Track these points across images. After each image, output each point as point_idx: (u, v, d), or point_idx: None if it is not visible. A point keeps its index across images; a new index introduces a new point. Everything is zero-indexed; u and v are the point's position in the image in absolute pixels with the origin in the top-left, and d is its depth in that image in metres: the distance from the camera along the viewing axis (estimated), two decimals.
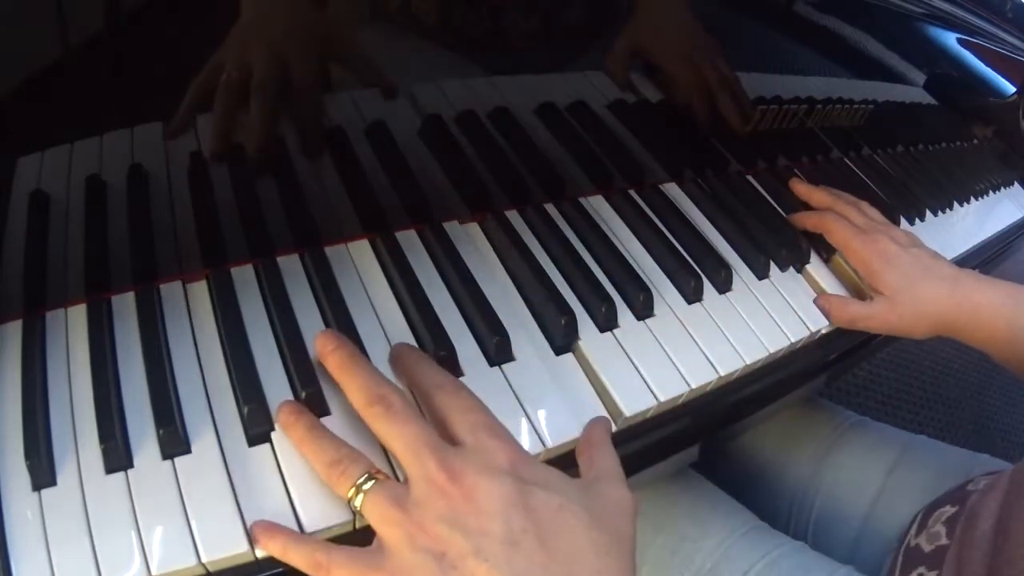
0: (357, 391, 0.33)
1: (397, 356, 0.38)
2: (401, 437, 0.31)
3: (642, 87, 0.54)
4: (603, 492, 0.33)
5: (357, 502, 0.31)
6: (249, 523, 0.32)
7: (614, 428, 0.40)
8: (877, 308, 0.51)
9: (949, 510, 0.53)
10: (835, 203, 0.58)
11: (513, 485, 0.29)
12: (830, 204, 0.58)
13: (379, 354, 0.39)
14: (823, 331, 0.53)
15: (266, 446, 0.35)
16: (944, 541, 0.50)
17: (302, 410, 0.34)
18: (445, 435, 0.32)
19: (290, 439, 0.34)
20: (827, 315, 0.52)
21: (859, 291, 0.56)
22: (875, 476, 0.65)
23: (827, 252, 0.60)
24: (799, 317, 0.52)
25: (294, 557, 0.30)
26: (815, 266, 0.58)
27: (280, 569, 0.32)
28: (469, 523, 0.28)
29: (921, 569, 0.50)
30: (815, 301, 0.53)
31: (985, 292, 0.52)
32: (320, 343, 0.36)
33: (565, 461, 0.40)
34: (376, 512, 0.30)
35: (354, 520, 0.33)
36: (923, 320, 0.51)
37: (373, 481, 0.31)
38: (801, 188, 0.61)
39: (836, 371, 0.58)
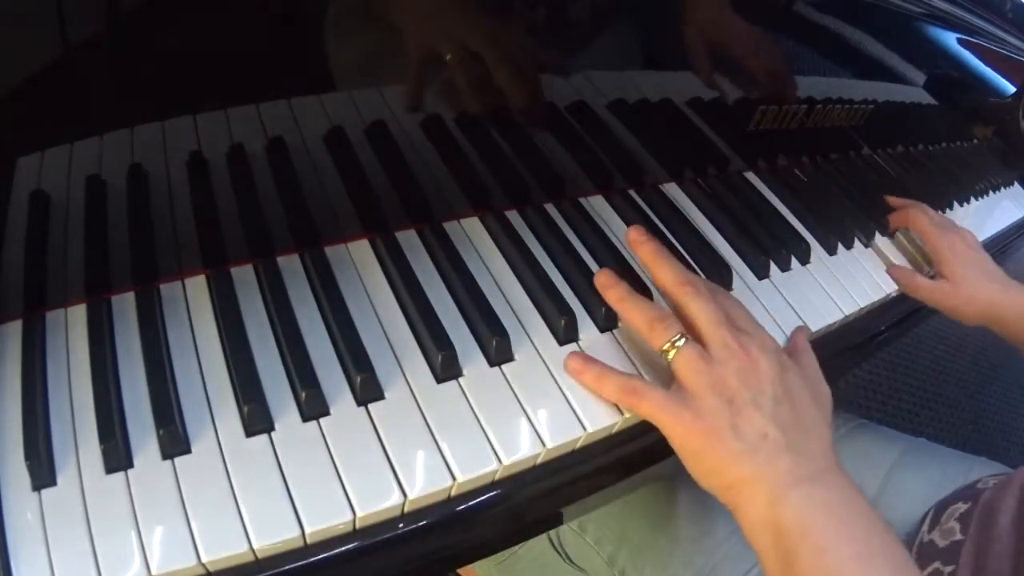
0: (670, 273, 0.43)
1: (647, 256, 0.46)
2: (706, 312, 0.41)
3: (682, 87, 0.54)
4: (818, 385, 0.43)
5: (671, 355, 0.40)
6: (249, 523, 0.32)
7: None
8: (941, 288, 0.61)
9: (962, 506, 0.54)
10: (917, 203, 0.69)
11: (779, 364, 0.40)
12: (914, 204, 0.69)
13: (380, 354, 0.39)
14: (823, 330, 0.54)
15: (266, 446, 0.35)
16: (959, 536, 0.51)
17: (619, 278, 0.44)
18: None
19: (608, 299, 0.44)
20: (898, 282, 0.61)
21: None
22: (874, 478, 0.65)
23: (828, 251, 0.60)
24: (799, 317, 0.52)
25: (608, 385, 0.40)
26: (816, 265, 0.58)
27: (280, 569, 0.32)
28: (751, 382, 0.39)
29: (936, 564, 0.50)
30: (888, 270, 0.62)
31: None
32: (633, 234, 0.47)
33: (565, 461, 0.40)
34: (687, 363, 0.39)
35: (354, 521, 0.33)
36: (973, 306, 0.60)
37: (685, 339, 0.40)
38: (890, 199, 0.72)
39: (835, 371, 0.59)
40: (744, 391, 0.38)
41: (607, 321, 0.45)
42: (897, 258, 0.66)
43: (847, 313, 0.55)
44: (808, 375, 0.42)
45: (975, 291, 0.60)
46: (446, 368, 0.39)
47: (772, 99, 0.62)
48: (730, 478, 0.38)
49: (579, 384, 0.41)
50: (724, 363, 0.39)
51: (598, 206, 0.54)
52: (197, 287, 0.41)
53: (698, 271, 0.51)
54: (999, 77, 0.92)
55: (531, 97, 0.47)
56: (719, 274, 0.51)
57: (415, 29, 0.41)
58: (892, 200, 0.71)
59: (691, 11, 0.52)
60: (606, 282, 0.44)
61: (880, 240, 0.66)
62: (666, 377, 0.42)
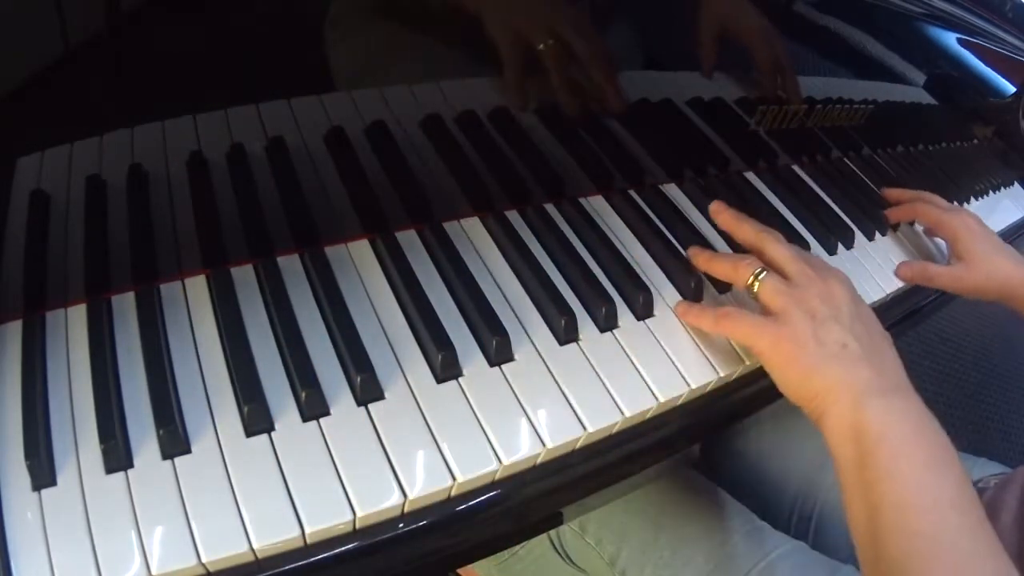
0: (750, 228, 0.50)
1: (726, 218, 0.52)
2: (786, 251, 0.46)
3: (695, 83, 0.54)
4: (876, 321, 0.46)
5: (756, 285, 0.45)
6: (249, 523, 0.32)
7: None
8: (956, 270, 0.62)
9: None
10: (921, 194, 0.70)
11: (851, 292, 0.45)
12: (917, 196, 0.69)
13: (380, 354, 0.39)
14: None
15: (266, 446, 0.35)
16: None
17: (703, 247, 0.51)
18: None
19: (698, 262, 0.50)
20: (909, 278, 0.62)
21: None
22: None
23: (828, 251, 0.60)
24: None
25: (706, 317, 0.45)
26: None
27: (280, 569, 0.32)
28: (830, 300, 0.43)
29: None
30: (897, 269, 0.62)
31: None
32: (714, 206, 0.53)
33: (565, 461, 0.40)
34: (771, 288, 0.44)
35: (354, 521, 0.33)
36: (992, 283, 0.61)
37: (766, 272, 0.45)
38: (891, 192, 0.72)
39: None
40: (824, 308, 0.42)
41: (607, 321, 0.45)
42: (901, 256, 0.65)
43: None
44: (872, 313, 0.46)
45: (993, 266, 0.61)
46: (446, 368, 0.39)
47: (772, 99, 0.62)
48: (815, 385, 0.40)
49: (688, 324, 0.47)
50: (804, 286, 0.44)
51: (598, 206, 0.54)
52: (197, 287, 0.41)
53: (699, 272, 0.51)
54: (999, 77, 0.92)
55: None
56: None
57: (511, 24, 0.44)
58: (893, 193, 0.71)
59: (703, 8, 0.53)
60: (696, 251, 0.50)
61: (880, 239, 0.66)
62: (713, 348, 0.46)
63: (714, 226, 0.57)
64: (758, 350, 0.43)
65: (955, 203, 0.83)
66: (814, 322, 0.42)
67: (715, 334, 0.46)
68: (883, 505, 0.36)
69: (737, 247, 0.53)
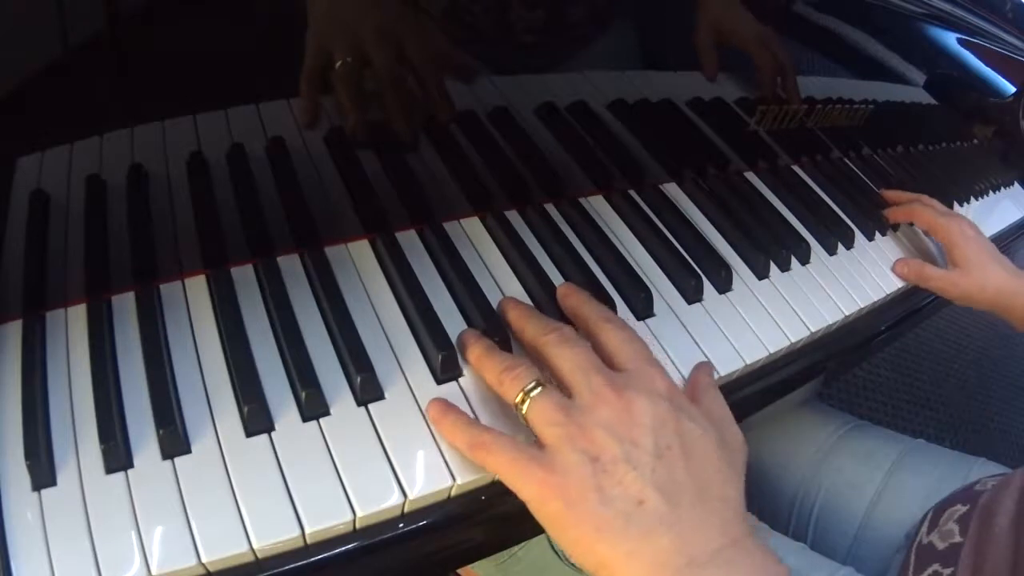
0: (534, 327, 0.38)
1: (564, 295, 0.42)
2: (572, 358, 0.35)
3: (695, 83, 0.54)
4: (726, 431, 0.36)
5: (524, 407, 0.34)
6: (249, 523, 0.32)
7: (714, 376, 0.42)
8: (952, 275, 0.61)
9: (960, 508, 0.54)
10: (919, 197, 0.69)
11: (665, 407, 0.33)
12: (916, 198, 0.69)
13: (380, 354, 0.39)
14: (823, 332, 0.54)
15: (266, 446, 0.35)
16: (958, 539, 0.51)
17: (481, 336, 0.39)
18: (609, 365, 0.36)
19: (469, 357, 0.39)
20: (905, 276, 0.62)
21: None
22: (874, 479, 0.65)
23: (828, 251, 0.60)
24: (799, 317, 0.52)
25: (459, 437, 0.35)
26: (816, 265, 0.58)
27: (280, 569, 0.32)
28: (624, 433, 0.32)
29: (935, 566, 0.50)
30: (894, 266, 0.62)
31: None
32: (503, 304, 0.42)
33: None
34: (541, 414, 0.33)
35: (354, 521, 0.33)
36: (985, 292, 0.60)
37: (540, 388, 0.34)
38: (890, 194, 0.71)
39: (835, 372, 0.59)
40: (613, 445, 0.31)
41: None
42: (900, 256, 0.65)
43: (847, 313, 0.55)
44: (713, 417, 0.36)
45: (987, 275, 0.60)
46: (446, 368, 0.39)
47: (773, 98, 0.62)
48: (600, 555, 0.30)
49: (441, 435, 0.36)
50: (589, 411, 0.32)
51: (598, 206, 0.54)
52: (197, 287, 0.41)
53: (699, 271, 0.51)
54: (999, 77, 0.92)
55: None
56: (719, 274, 0.51)
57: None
58: (891, 195, 0.71)
59: (702, 8, 0.52)
60: (467, 340, 0.39)
61: (880, 239, 0.66)
62: None
63: (715, 226, 0.57)
64: (521, 498, 0.33)
65: (955, 204, 0.83)
66: (595, 467, 0.31)
67: (476, 462, 0.35)
68: None
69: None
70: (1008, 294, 0.60)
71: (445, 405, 0.36)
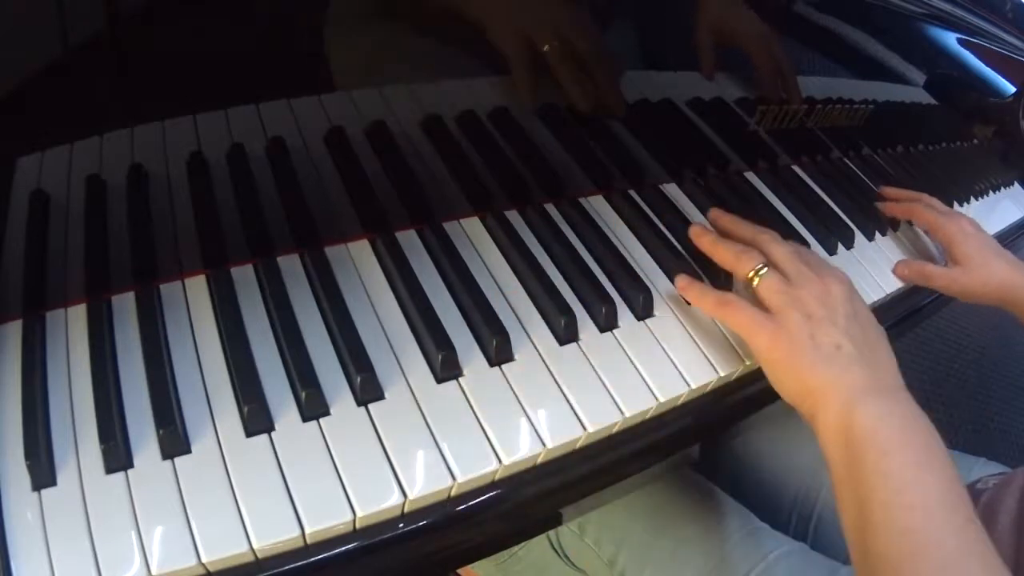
0: (748, 229, 0.50)
1: (749, 226, 0.51)
2: (784, 251, 0.47)
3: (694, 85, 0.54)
4: (878, 324, 0.46)
5: (755, 282, 0.45)
6: (249, 523, 0.32)
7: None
8: (953, 273, 0.61)
9: None
10: (919, 195, 0.69)
11: (849, 292, 0.45)
12: (916, 196, 0.69)
13: (380, 354, 0.39)
14: None
15: (266, 446, 0.35)
16: None
17: (707, 228, 0.52)
18: None
19: (700, 246, 0.50)
20: (906, 277, 0.62)
21: None
22: None
23: (829, 251, 0.60)
24: None
25: (707, 299, 0.46)
26: None
27: (280, 569, 0.32)
28: (827, 301, 0.43)
29: None
30: (895, 268, 0.62)
31: None
32: (713, 214, 0.54)
33: (565, 461, 0.40)
34: (770, 286, 0.44)
35: (354, 521, 0.33)
36: (989, 287, 0.60)
37: (767, 268, 0.45)
38: (889, 191, 0.71)
39: None
40: (820, 308, 0.43)
41: (607, 321, 0.45)
42: (900, 256, 0.65)
43: None
44: (869, 312, 0.46)
45: (990, 271, 0.60)
46: (446, 368, 0.39)
47: (773, 98, 0.62)
48: (809, 384, 0.41)
49: (685, 297, 0.47)
50: (802, 286, 0.44)
51: (598, 206, 0.54)
52: (197, 287, 0.41)
53: (698, 271, 0.51)
54: (999, 77, 0.92)
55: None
56: (719, 274, 0.51)
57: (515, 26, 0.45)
58: (891, 191, 0.70)
59: (702, 8, 0.53)
60: (697, 231, 0.51)
61: (880, 240, 0.66)
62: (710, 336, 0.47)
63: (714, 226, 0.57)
64: (754, 345, 0.43)
65: (955, 204, 0.83)
66: (810, 323, 0.42)
67: (713, 317, 0.47)
68: (871, 502, 0.36)
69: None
70: (1013, 288, 0.60)
71: (690, 278, 0.48)
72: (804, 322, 0.42)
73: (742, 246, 0.48)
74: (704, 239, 0.50)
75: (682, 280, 0.47)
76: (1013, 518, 0.49)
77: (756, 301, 0.45)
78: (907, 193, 0.70)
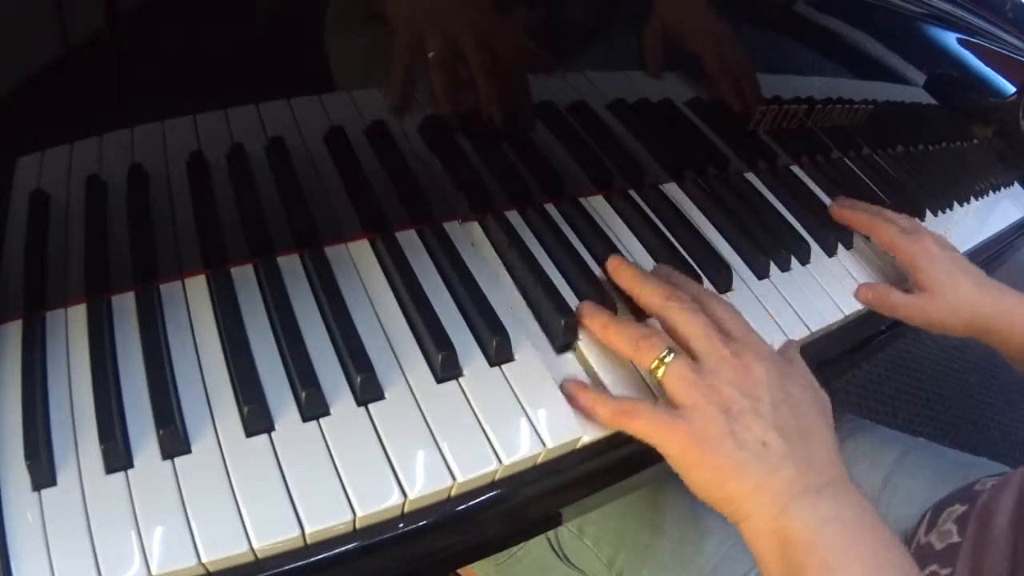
0: (653, 292, 0.43)
1: (667, 275, 0.46)
2: (695, 324, 0.40)
3: (667, 83, 0.54)
4: (816, 391, 0.42)
5: (660, 372, 0.39)
6: (249, 523, 0.32)
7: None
8: (919, 301, 0.55)
9: (959, 508, 0.54)
10: (882, 210, 0.62)
11: (776, 370, 0.39)
12: (878, 211, 0.61)
13: (380, 354, 0.39)
14: (822, 331, 0.54)
15: (266, 446, 0.35)
16: (956, 539, 0.51)
17: (600, 307, 0.43)
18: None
19: (592, 328, 0.43)
20: (868, 302, 0.56)
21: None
22: (874, 478, 0.65)
23: (829, 251, 0.60)
24: (799, 317, 0.52)
25: (601, 410, 0.39)
26: (816, 265, 0.58)
27: (280, 569, 0.32)
28: (747, 389, 0.38)
29: (934, 567, 0.50)
30: (857, 291, 0.56)
31: (1019, 300, 0.56)
32: (611, 263, 0.47)
33: (565, 461, 0.40)
34: (677, 377, 0.38)
35: (354, 521, 0.33)
36: (959, 317, 0.55)
37: (673, 355, 0.39)
38: (846, 201, 0.64)
39: (835, 372, 0.58)
40: (740, 398, 0.37)
41: None
42: (866, 272, 0.61)
43: (847, 313, 0.55)
44: (805, 383, 0.41)
45: (959, 299, 0.55)
46: (446, 368, 0.39)
47: (771, 99, 0.62)
48: (731, 490, 0.37)
49: (575, 410, 0.40)
50: (717, 372, 0.38)
51: (598, 206, 0.54)
52: (197, 287, 0.41)
53: (698, 271, 0.51)
54: (999, 77, 0.92)
55: (522, 96, 0.47)
56: (719, 274, 0.51)
57: (411, 26, 0.40)
58: (846, 200, 0.64)
59: (664, 9, 0.50)
60: (587, 312, 0.43)
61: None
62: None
63: (715, 226, 0.57)
64: (663, 451, 0.38)
65: (955, 204, 0.83)
66: (727, 417, 0.37)
67: (617, 427, 0.40)
68: None
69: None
70: (985, 315, 0.55)
71: (578, 383, 0.41)
72: (721, 417, 0.37)
73: (640, 328, 0.41)
74: (594, 321, 0.43)
75: (569, 387, 0.40)
76: (1010, 519, 0.49)
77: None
78: (864, 205, 0.63)
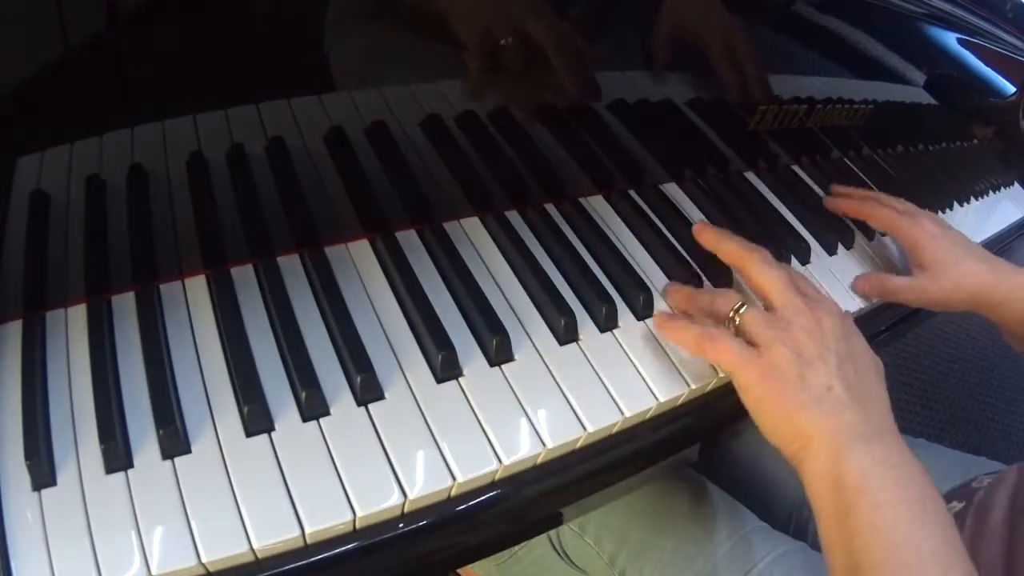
0: (736, 247, 0.47)
1: (739, 243, 0.48)
2: (772, 277, 0.44)
3: (667, 83, 0.54)
4: (874, 356, 0.44)
5: (738, 318, 0.42)
6: (249, 523, 0.32)
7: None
8: (919, 281, 0.56)
9: (956, 505, 0.54)
10: (875, 194, 0.62)
11: (842, 327, 0.42)
12: (874, 196, 0.62)
13: (380, 354, 0.39)
14: None
15: (266, 446, 0.35)
16: None
17: (681, 285, 0.48)
18: None
19: (670, 302, 0.48)
20: (867, 293, 0.56)
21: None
22: None
23: (829, 250, 0.60)
24: None
25: (688, 334, 0.42)
26: (816, 265, 0.58)
27: (280, 569, 0.32)
28: (818, 339, 0.41)
29: None
30: (854, 284, 0.57)
31: (1020, 275, 0.56)
32: (697, 225, 0.50)
33: (565, 461, 0.40)
34: (755, 319, 0.42)
35: (354, 521, 0.33)
36: (961, 292, 0.55)
37: (746, 305, 0.43)
38: (842, 189, 0.65)
39: None
40: (811, 346, 0.40)
41: (607, 321, 0.45)
42: (897, 253, 0.62)
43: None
44: (865, 346, 0.44)
45: (960, 273, 0.55)
46: (446, 368, 0.39)
47: (771, 99, 0.62)
48: (795, 427, 0.39)
49: (665, 337, 0.44)
50: (792, 320, 0.41)
51: (598, 206, 0.54)
52: (197, 287, 0.41)
53: (698, 270, 0.51)
54: (999, 77, 0.92)
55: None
56: (718, 274, 0.51)
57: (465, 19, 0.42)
58: (841, 188, 0.64)
59: (674, 9, 0.51)
60: (672, 288, 0.48)
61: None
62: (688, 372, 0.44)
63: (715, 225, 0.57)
64: (740, 383, 0.41)
65: (955, 204, 0.83)
66: (800, 361, 0.40)
67: (696, 356, 0.44)
68: (863, 560, 0.35)
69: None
70: (987, 290, 0.55)
71: (667, 314, 0.45)
72: (793, 360, 0.40)
73: (711, 292, 0.45)
74: (678, 296, 0.47)
75: (658, 319, 0.45)
76: (1005, 515, 0.49)
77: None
78: (860, 192, 0.64)
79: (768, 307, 0.43)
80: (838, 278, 0.58)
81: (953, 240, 0.57)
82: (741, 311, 0.42)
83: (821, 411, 0.38)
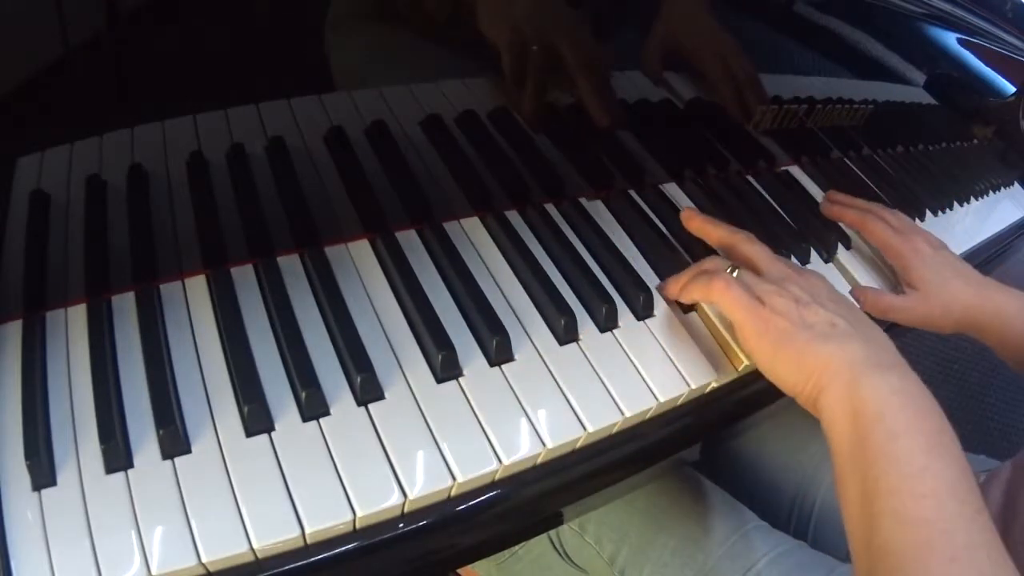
0: (722, 230, 0.50)
1: (726, 227, 0.51)
2: (760, 250, 0.47)
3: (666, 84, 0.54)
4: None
5: (735, 274, 0.44)
6: (249, 523, 0.32)
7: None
8: (910, 301, 0.56)
9: None
10: (873, 207, 0.62)
11: (830, 288, 0.45)
12: (870, 208, 0.62)
13: (380, 354, 0.39)
14: None
15: (266, 446, 0.35)
16: None
17: (672, 278, 0.48)
18: None
19: (671, 291, 0.47)
20: (861, 306, 0.55)
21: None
22: None
23: (828, 252, 0.60)
24: None
25: (695, 285, 0.44)
26: (816, 265, 0.58)
27: (280, 569, 0.32)
28: (810, 290, 0.43)
29: None
30: (850, 293, 0.56)
31: (1008, 298, 0.56)
32: (685, 213, 0.53)
33: (565, 461, 0.40)
34: (751, 277, 0.44)
35: (354, 521, 0.33)
36: (950, 315, 0.55)
37: (738, 269, 0.45)
38: (839, 196, 0.64)
39: None
40: (805, 295, 0.42)
41: (607, 321, 0.45)
42: (866, 273, 0.60)
43: None
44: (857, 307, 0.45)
45: (950, 297, 0.55)
46: (446, 368, 0.39)
47: (771, 99, 0.62)
48: (808, 367, 0.39)
49: (672, 296, 0.47)
50: (781, 279, 0.44)
51: (598, 206, 0.54)
52: (197, 287, 0.41)
53: None
54: (999, 77, 0.92)
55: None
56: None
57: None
58: (838, 195, 0.64)
59: (666, 11, 0.51)
60: (669, 283, 0.48)
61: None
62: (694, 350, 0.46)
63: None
64: (745, 331, 0.42)
65: (955, 204, 0.83)
66: (798, 305, 0.41)
67: (704, 302, 0.46)
68: (878, 489, 0.35)
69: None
70: (975, 312, 0.55)
71: (671, 279, 0.48)
72: (792, 305, 0.41)
73: (713, 259, 0.47)
74: (672, 288, 0.47)
75: (664, 285, 0.47)
76: (998, 510, 0.49)
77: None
78: (856, 202, 0.63)
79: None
80: (837, 279, 0.58)
81: (944, 262, 0.57)
82: (734, 273, 0.44)
83: (829, 344, 0.39)
